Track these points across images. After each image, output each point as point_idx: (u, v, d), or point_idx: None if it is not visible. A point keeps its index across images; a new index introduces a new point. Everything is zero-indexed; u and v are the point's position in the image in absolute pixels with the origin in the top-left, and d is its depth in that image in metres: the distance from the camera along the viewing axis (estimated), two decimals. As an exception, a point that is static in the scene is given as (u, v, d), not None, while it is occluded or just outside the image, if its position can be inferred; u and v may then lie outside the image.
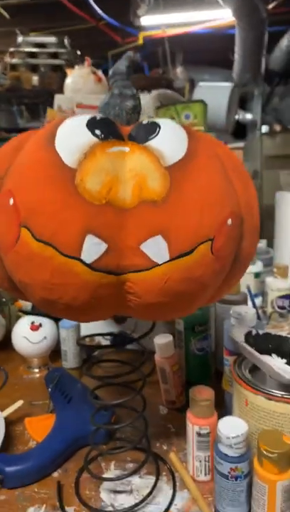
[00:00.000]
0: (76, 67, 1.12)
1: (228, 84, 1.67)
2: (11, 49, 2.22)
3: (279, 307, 0.83)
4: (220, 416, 0.49)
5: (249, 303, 0.79)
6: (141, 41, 3.22)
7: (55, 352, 0.82)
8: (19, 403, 0.65)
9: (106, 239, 0.39)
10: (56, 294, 0.41)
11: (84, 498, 0.50)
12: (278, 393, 0.48)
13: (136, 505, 0.49)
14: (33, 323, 0.79)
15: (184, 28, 3.06)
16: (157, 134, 0.43)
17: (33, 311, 0.82)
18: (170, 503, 0.50)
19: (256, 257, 0.95)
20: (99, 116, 0.44)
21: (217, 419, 0.49)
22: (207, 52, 3.12)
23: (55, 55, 2.21)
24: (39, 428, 0.60)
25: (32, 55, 2.19)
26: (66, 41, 2.27)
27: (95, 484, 0.53)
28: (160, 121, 0.45)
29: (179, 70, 2.61)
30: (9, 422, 0.63)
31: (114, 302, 0.43)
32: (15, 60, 2.15)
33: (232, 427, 0.46)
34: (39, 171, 0.41)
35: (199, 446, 0.52)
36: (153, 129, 0.43)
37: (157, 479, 0.53)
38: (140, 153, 0.41)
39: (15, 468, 0.52)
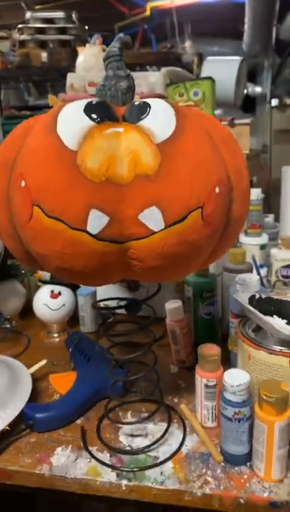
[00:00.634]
0: (87, 45, 1.14)
1: (237, 58, 1.67)
2: (20, 25, 2.21)
3: (283, 276, 0.88)
4: (226, 371, 0.55)
5: (254, 271, 0.84)
6: (148, 12, 3.16)
7: (72, 319, 0.89)
8: (43, 362, 0.72)
9: (107, 212, 0.44)
10: (68, 263, 0.47)
11: (105, 441, 0.57)
12: (278, 348, 0.53)
13: (151, 444, 0.56)
14: (52, 291, 0.85)
15: (192, -3, 2.99)
16: (148, 114, 0.47)
17: (52, 280, 0.88)
18: (181, 444, 0.56)
19: (262, 229, 1.00)
20: (95, 100, 0.48)
21: (222, 373, 0.55)
22: (216, 22, 3.05)
23: (63, 31, 2.19)
24: (62, 383, 0.67)
25: (40, 31, 2.18)
26: (74, 16, 2.25)
27: (114, 430, 0.60)
28: (150, 101, 0.49)
29: (187, 43, 2.57)
30: (35, 379, 0.70)
31: (120, 267, 0.49)
32: (23, 37, 2.14)
33: (236, 377, 0.52)
34: (45, 155, 0.46)
35: (207, 396, 0.58)
36: (144, 109, 0.48)
37: (169, 425, 0.59)
38: (133, 133, 0.46)
39: (43, 414, 0.59)
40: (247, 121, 1.27)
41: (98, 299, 0.84)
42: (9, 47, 2.32)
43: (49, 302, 0.84)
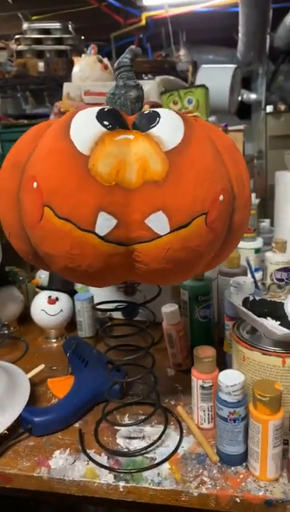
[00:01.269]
0: (83, 55, 1.16)
1: (230, 66, 1.69)
2: (17, 36, 2.24)
3: (277, 279, 0.89)
4: (221, 372, 0.56)
5: (249, 275, 0.86)
6: (143, 22, 3.21)
7: (70, 324, 0.90)
8: (41, 367, 0.73)
9: (115, 215, 0.46)
10: (76, 263, 0.48)
11: (102, 443, 0.58)
12: (272, 349, 0.54)
13: (148, 446, 0.56)
14: (50, 297, 0.86)
15: (187, 7, 3.04)
16: (157, 123, 0.49)
17: (49, 287, 0.89)
18: (178, 446, 0.57)
19: (257, 234, 1.01)
20: (106, 108, 0.50)
21: (218, 374, 0.56)
22: (211, 31, 3.09)
23: (60, 41, 2.23)
24: (60, 387, 0.68)
25: (37, 41, 2.21)
26: (70, 26, 2.28)
27: (112, 432, 0.60)
28: (160, 110, 0.50)
29: (182, 52, 2.61)
30: (33, 384, 0.71)
31: (124, 269, 0.50)
32: (21, 47, 2.17)
33: (230, 378, 0.53)
34: (58, 159, 0.47)
35: (203, 397, 0.59)
36: (153, 118, 0.49)
37: (165, 427, 0.60)
38: (143, 140, 0.47)
39: (41, 418, 0.60)
40: (241, 127, 1.29)
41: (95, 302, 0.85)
42: (7, 57, 2.35)
43: (47, 308, 0.85)
